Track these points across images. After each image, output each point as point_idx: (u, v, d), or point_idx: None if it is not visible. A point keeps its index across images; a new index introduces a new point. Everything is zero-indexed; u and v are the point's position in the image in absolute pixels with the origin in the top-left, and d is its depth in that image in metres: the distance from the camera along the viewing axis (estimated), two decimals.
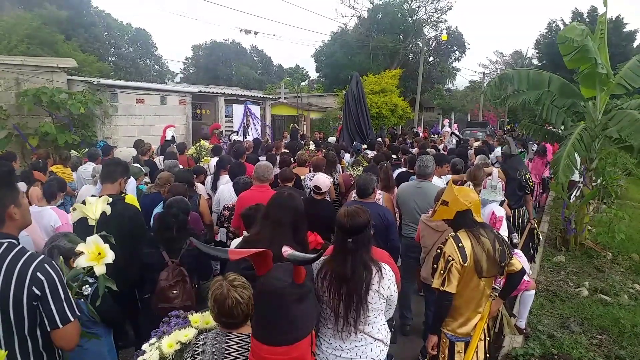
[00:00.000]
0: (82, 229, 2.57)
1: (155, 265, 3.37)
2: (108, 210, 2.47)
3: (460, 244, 2.98)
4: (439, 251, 3.11)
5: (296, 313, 1.99)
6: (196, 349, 2.08)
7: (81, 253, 2.17)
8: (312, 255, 1.94)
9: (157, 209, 4.61)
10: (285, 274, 2.03)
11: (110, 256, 2.23)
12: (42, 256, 2.06)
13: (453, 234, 3.08)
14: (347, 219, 2.57)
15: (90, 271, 2.24)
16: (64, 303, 2.02)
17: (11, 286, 1.93)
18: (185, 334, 2.18)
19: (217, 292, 2.08)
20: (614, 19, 30.58)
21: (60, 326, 2.00)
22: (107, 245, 2.23)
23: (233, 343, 2.08)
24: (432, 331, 3.22)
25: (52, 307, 1.99)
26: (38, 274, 1.96)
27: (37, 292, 1.95)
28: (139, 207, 4.34)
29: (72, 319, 2.04)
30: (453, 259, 2.95)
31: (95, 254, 2.19)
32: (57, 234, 2.80)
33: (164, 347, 2.15)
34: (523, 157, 9.98)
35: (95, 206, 2.41)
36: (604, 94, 7.16)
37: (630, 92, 7.49)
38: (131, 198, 4.40)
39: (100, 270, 2.19)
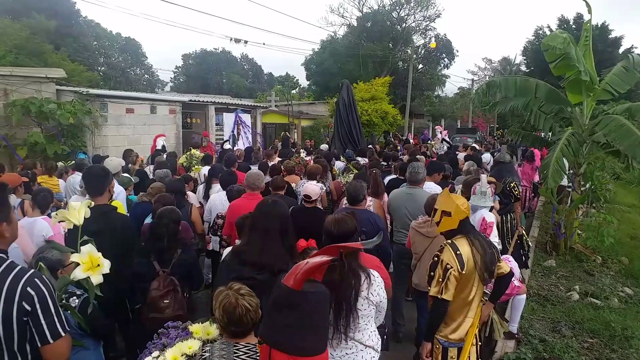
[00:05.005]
0: (75, 238, 2.55)
1: (146, 275, 3.35)
2: (88, 213, 2.45)
3: (458, 252, 2.99)
4: (435, 259, 3.11)
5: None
6: None
7: (76, 264, 2.14)
8: (374, 239, 1.91)
9: (148, 219, 4.59)
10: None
11: (106, 266, 2.21)
12: (32, 270, 2.02)
13: (450, 241, 3.09)
14: (334, 226, 2.59)
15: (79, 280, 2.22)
16: (55, 318, 1.98)
17: (0, 301, 1.89)
18: (189, 346, 2.12)
19: (225, 301, 2.06)
20: (599, 26, 30.95)
21: (51, 341, 1.97)
22: (100, 255, 2.22)
23: (242, 353, 2.06)
24: (427, 338, 3.21)
25: (43, 322, 1.95)
26: (28, 288, 1.92)
27: (27, 307, 1.91)
28: (125, 213, 4.34)
29: (62, 334, 2.00)
30: (451, 267, 2.96)
31: (90, 264, 2.16)
32: (45, 245, 2.77)
33: None
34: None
35: (79, 211, 2.38)
36: (591, 100, 7.25)
37: (616, 98, 7.60)
38: (118, 205, 4.38)
39: (96, 280, 2.16)
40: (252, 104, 21.23)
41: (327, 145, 13.59)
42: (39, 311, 1.94)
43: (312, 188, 4.75)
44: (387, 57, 33.87)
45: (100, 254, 2.21)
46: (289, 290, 1.68)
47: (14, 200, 4.97)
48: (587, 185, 7.71)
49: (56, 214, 2.45)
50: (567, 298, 5.81)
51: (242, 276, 2.53)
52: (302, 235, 2.98)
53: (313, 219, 4.47)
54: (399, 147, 14.39)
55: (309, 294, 1.72)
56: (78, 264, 2.21)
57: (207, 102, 17.16)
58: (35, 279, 1.97)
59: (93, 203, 2.64)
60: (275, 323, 1.72)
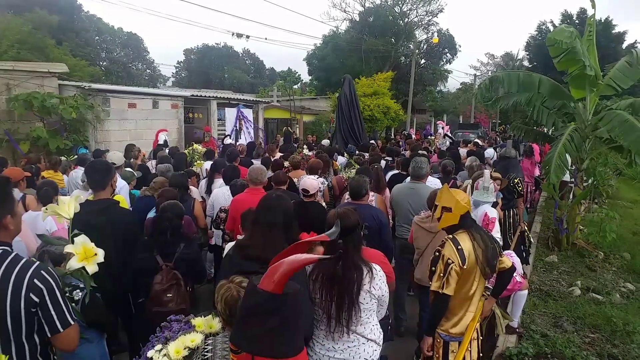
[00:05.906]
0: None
1: (149, 270, 3.35)
2: (78, 207, 2.43)
3: (459, 247, 2.99)
4: (437, 254, 3.12)
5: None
6: (205, 353, 2.06)
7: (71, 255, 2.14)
8: (333, 229, 1.78)
9: (151, 214, 4.60)
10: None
11: (100, 254, 2.22)
12: (38, 262, 2.04)
13: (451, 236, 3.09)
14: (337, 220, 2.58)
15: (74, 272, 2.22)
16: (63, 307, 2.02)
17: (7, 294, 1.91)
18: (192, 339, 2.12)
19: (227, 294, 2.06)
20: (603, 21, 30.84)
21: (62, 330, 2.01)
22: (94, 245, 2.22)
23: None
24: (428, 332, 3.23)
25: (53, 312, 1.98)
26: (35, 281, 1.95)
27: (35, 299, 1.94)
28: (128, 207, 4.33)
29: (72, 323, 2.05)
30: (452, 262, 2.96)
31: (84, 254, 2.17)
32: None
33: (171, 353, 2.11)
34: None
35: (69, 205, 2.38)
36: (594, 95, 7.23)
37: (619, 93, 7.57)
38: (121, 199, 4.39)
39: (92, 269, 2.18)
40: (254, 99, 21.20)
41: (328, 141, 13.58)
42: (49, 302, 1.97)
43: (310, 182, 4.75)
44: (390, 52, 33.75)
45: (93, 244, 2.21)
46: (269, 295, 1.59)
47: (16, 194, 4.98)
48: (590, 181, 7.70)
49: (46, 209, 2.43)
50: (568, 293, 5.82)
51: (245, 270, 2.53)
52: (300, 230, 2.98)
53: (311, 213, 4.47)
54: (400, 143, 14.37)
55: (289, 296, 1.67)
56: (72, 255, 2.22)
57: (209, 97, 17.15)
58: (42, 271, 1.99)
59: (89, 197, 2.61)
60: (252, 330, 1.66)
